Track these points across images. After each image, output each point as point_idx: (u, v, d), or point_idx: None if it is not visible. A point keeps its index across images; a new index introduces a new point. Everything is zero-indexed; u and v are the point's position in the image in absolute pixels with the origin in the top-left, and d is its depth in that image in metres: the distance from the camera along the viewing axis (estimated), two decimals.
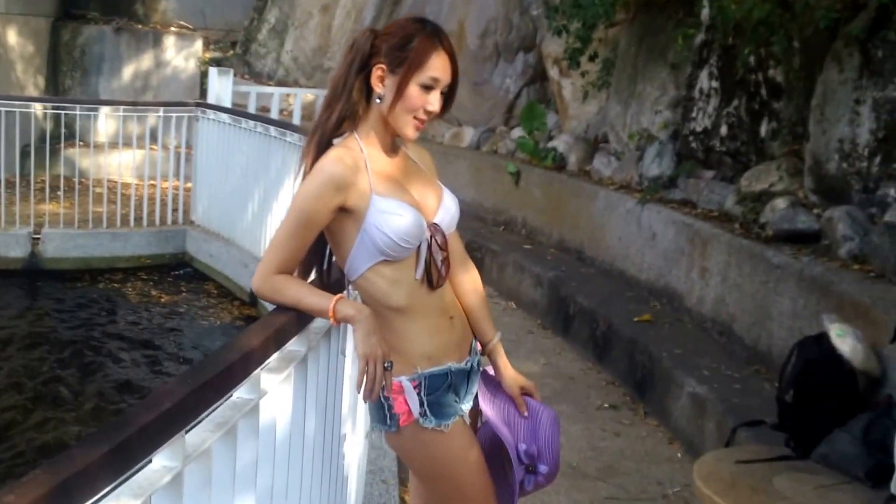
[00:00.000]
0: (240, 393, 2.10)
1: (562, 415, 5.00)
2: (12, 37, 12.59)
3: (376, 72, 2.39)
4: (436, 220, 2.47)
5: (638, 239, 6.41)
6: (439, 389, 2.46)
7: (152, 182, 9.96)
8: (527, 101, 9.03)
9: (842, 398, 3.91)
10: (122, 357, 7.63)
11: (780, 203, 5.41)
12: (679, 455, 4.62)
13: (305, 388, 2.46)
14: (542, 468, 2.59)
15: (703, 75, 6.47)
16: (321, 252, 2.53)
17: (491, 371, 2.69)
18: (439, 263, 2.44)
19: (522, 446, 2.57)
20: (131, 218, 9.58)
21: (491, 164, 8.74)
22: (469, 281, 2.67)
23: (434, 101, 2.37)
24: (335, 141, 2.44)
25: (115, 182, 9.86)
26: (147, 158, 10.01)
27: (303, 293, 2.35)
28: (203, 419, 1.97)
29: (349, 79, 2.42)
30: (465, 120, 9.84)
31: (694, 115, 6.53)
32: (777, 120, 5.93)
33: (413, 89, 2.35)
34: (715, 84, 6.37)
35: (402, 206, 2.37)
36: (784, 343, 4.40)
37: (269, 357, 2.22)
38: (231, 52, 13.85)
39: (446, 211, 2.53)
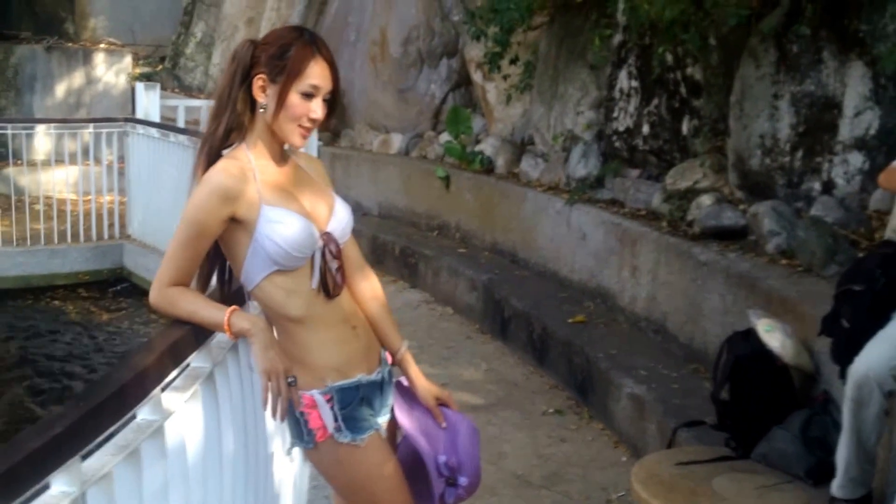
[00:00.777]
0: (143, 414, 2.02)
1: (507, 422, 4.84)
2: None
3: (257, 82, 2.31)
4: (328, 229, 2.38)
5: (569, 239, 6.22)
6: (352, 403, 2.36)
7: (88, 198, 9.64)
8: (452, 105, 8.82)
9: (776, 395, 3.80)
10: (62, 375, 7.36)
11: (706, 200, 5.28)
12: (624, 459, 4.42)
13: (217, 405, 2.34)
14: (463, 480, 2.48)
15: (623, 75, 6.32)
16: (221, 262, 2.45)
17: (405, 382, 2.56)
18: (334, 272, 2.35)
19: (442, 458, 2.46)
20: (68, 234, 9.30)
21: (420, 169, 8.51)
22: (369, 289, 2.56)
23: (317, 109, 2.30)
24: (225, 152, 2.35)
25: (55, 199, 9.62)
26: (82, 174, 9.71)
27: (198, 306, 2.26)
28: (103, 442, 1.88)
29: (233, 90, 2.34)
30: (393, 127, 9.61)
31: (616, 115, 6.37)
32: (698, 117, 5.80)
33: (294, 98, 2.28)
34: (635, 84, 6.22)
35: (291, 216, 2.29)
36: (718, 340, 4.25)
37: (167, 375, 2.12)
38: (160, 66, 13.52)
39: (338, 220, 2.43)
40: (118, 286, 9.31)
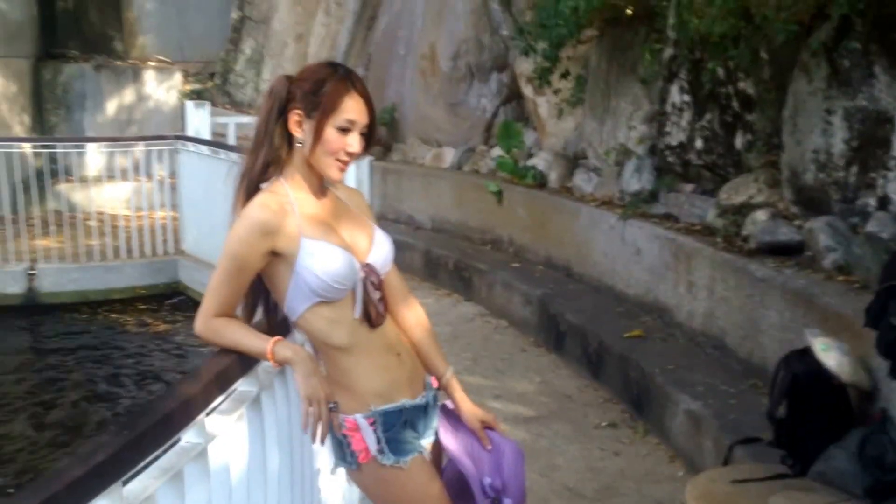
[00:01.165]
0: (188, 438, 2.09)
1: (559, 434, 5.01)
2: None
3: (293, 117, 2.40)
4: (369, 261, 2.47)
5: (623, 254, 6.36)
6: (395, 426, 2.45)
7: (141, 213, 9.91)
8: (503, 120, 8.98)
9: (834, 413, 3.83)
10: (123, 386, 7.63)
11: (761, 215, 5.36)
12: (680, 473, 4.52)
13: (263, 427, 2.46)
14: (508, 502, 2.55)
15: (674, 90, 6.43)
16: (266, 293, 2.52)
17: (451, 405, 2.65)
18: (376, 302, 2.44)
19: (487, 480, 2.54)
20: (122, 250, 9.60)
21: (473, 183, 8.68)
22: (413, 316, 2.65)
23: (353, 143, 2.38)
24: (263, 186, 2.43)
25: (108, 214, 9.89)
26: (134, 190, 9.99)
27: (241, 336, 2.35)
28: (146, 466, 1.94)
29: (269, 125, 2.43)
30: (445, 141, 9.79)
31: (668, 129, 6.49)
32: (751, 132, 5.89)
33: (330, 132, 2.36)
34: (686, 98, 6.33)
35: (331, 248, 2.37)
36: (776, 356, 4.31)
37: (212, 401, 2.20)
38: (210, 82, 13.79)
39: (379, 251, 2.52)
40: (174, 299, 9.60)
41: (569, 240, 7.13)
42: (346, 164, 2.41)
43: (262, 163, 2.44)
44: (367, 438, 2.42)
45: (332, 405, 2.35)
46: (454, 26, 9.66)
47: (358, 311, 2.42)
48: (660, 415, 4.94)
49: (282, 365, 2.39)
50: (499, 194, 8.08)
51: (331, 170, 2.41)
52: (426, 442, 2.57)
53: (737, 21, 5.48)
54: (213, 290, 2.39)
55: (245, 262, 2.36)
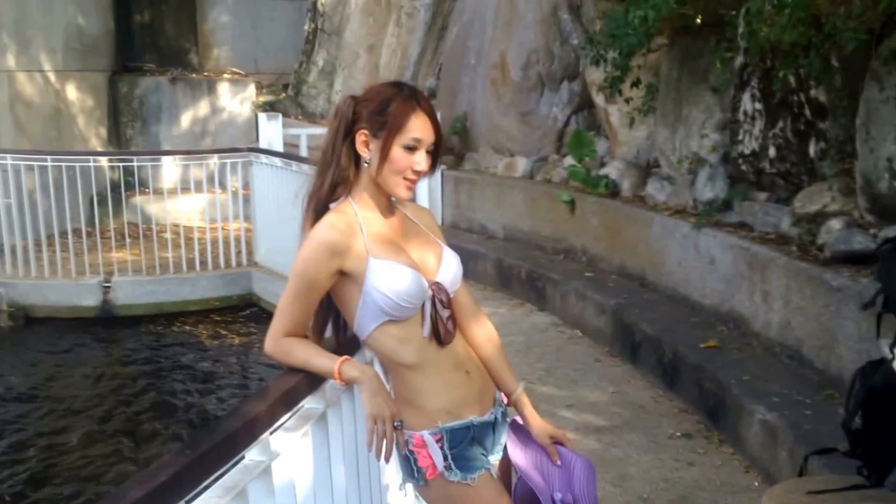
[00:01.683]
0: (251, 455, 2.14)
1: (632, 444, 5.11)
2: (72, 92, 12.99)
3: (360, 137, 2.46)
4: (437, 279, 2.52)
5: (697, 264, 6.42)
6: (462, 443, 2.49)
7: (214, 225, 10.16)
8: (575, 129, 9.08)
9: None
10: (194, 398, 7.86)
11: (836, 224, 5.38)
12: (756, 484, 4.58)
13: (328, 444, 2.53)
14: None
15: (746, 97, 6.47)
16: (335, 312, 2.59)
17: (520, 421, 2.70)
18: (445, 320, 2.48)
19: (558, 495, 2.56)
20: (197, 262, 9.86)
21: (545, 192, 8.80)
22: (483, 333, 2.70)
23: (420, 161, 2.44)
24: (332, 206, 2.49)
25: (182, 226, 10.14)
26: (209, 201, 10.28)
27: (310, 355, 2.42)
28: (210, 484, 1.98)
29: (336, 145, 2.49)
30: (517, 150, 9.91)
31: (741, 137, 6.52)
32: (825, 140, 5.90)
33: (397, 151, 2.42)
34: (758, 106, 6.36)
35: (399, 268, 2.42)
36: (853, 366, 4.34)
37: (277, 420, 2.25)
38: (283, 94, 14.08)
39: (448, 269, 2.56)
40: (248, 310, 9.83)
41: (642, 249, 7.21)
42: (413, 182, 2.47)
43: (330, 183, 2.50)
44: (434, 455, 2.46)
45: (397, 423, 2.38)
46: (524, 36, 9.78)
47: (426, 330, 2.46)
48: (735, 425, 5.00)
49: (349, 384, 2.45)
50: (571, 203, 8.19)
51: (398, 188, 2.46)
52: (494, 458, 2.61)
53: (806, 29, 5.51)
54: (282, 311, 2.45)
55: (313, 283, 2.41)
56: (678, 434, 5.25)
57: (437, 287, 2.50)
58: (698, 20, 6.97)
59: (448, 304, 2.51)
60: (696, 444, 5.11)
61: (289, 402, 2.33)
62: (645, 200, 7.53)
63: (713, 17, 6.82)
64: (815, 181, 5.93)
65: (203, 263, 9.90)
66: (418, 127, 2.43)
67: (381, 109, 2.43)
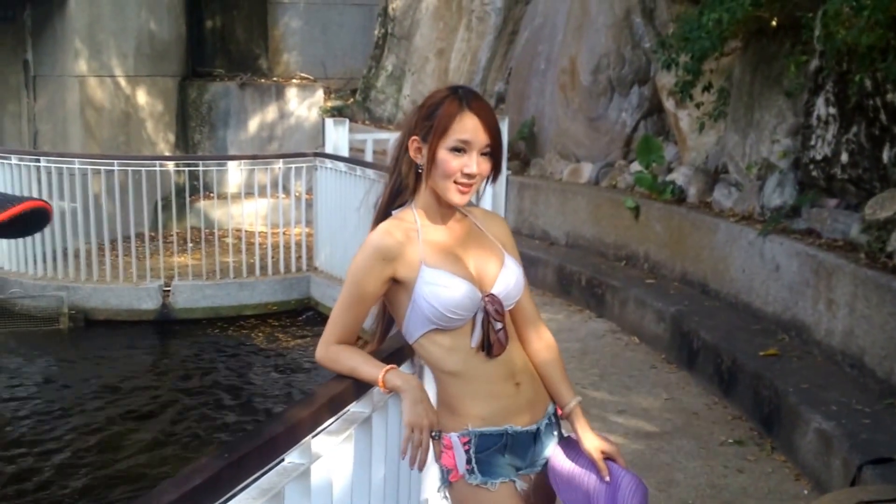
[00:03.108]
0: (291, 458, 2.16)
1: (681, 450, 5.06)
2: (142, 97, 13.23)
3: (413, 144, 2.47)
4: (493, 291, 2.49)
5: (761, 271, 6.32)
6: (490, 449, 2.49)
7: (276, 230, 10.31)
8: (643, 135, 9.01)
9: None
10: (248, 402, 7.97)
11: None
12: (806, 492, 4.50)
13: (371, 447, 2.56)
14: None
15: (820, 102, 6.37)
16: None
17: (574, 436, 2.65)
18: (497, 332, 2.46)
19: None
20: (257, 267, 9.97)
21: (609, 199, 8.75)
22: (540, 343, 2.66)
23: (471, 164, 2.40)
24: (395, 213, 2.54)
25: (244, 231, 10.29)
26: (271, 207, 10.38)
27: (358, 363, 2.46)
28: (248, 486, 2.00)
29: (399, 153, 2.53)
30: (583, 156, 9.87)
31: (813, 142, 6.42)
32: None
33: (443, 154, 2.40)
34: (832, 110, 6.25)
35: (450, 278, 2.42)
36: None
37: (321, 424, 2.29)
38: (351, 99, 14.23)
39: (505, 282, 2.52)
40: (304, 315, 9.93)
41: (706, 256, 7.13)
42: (466, 186, 2.43)
43: (391, 191, 2.55)
44: (458, 456, 2.48)
45: (434, 433, 2.43)
46: (595, 40, 9.75)
47: (475, 341, 2.45)
48: (789, 433, 4.91)
49: (393, 392, 2.47)
50: (635, 209, 8.12)
51: (450, 193, 2.43)
52: (531, 472, 2.61)
53: (885, 32, 5.42)
54: (334, 318, 2.50)
55: (364, 290, 2.45)
56: (730, 441, 5.18)
57: (492, 299, 2.48)
58: (773, 23, 6.89)
59: (501, 316, 2.48)
60: (748, 451, 5.04)
61: (334, 407, 2.37)
62: (711, 207, 7.44)
63: (789, 20, 6.75)
64: (887, 188, 5.81)
65: (263, 268, 10.02)
66: (465, 128, 2.40)
67: (430, 114, 2.44)
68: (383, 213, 2.55)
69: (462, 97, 2.44)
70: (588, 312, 7.93)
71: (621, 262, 8.38)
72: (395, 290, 2.47)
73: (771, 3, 6.70)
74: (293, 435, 2.12)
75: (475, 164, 2.41)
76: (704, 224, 7.19)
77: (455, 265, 2.47)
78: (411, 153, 2.48)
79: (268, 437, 2.04)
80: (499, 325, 2.46)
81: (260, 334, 9.61)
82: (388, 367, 2.46)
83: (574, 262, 8.47)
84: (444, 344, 2.46)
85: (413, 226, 2.48)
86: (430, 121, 2.43)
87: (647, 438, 5.17)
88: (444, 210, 2.52)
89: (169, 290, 9.74)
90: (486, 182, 2.54)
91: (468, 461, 2.47)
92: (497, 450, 2.49)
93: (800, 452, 4.76)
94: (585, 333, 7.26)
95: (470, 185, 2.43)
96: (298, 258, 10.17)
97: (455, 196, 2.43)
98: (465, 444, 2.47)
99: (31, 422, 7.48)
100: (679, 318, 6.62)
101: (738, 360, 5.71)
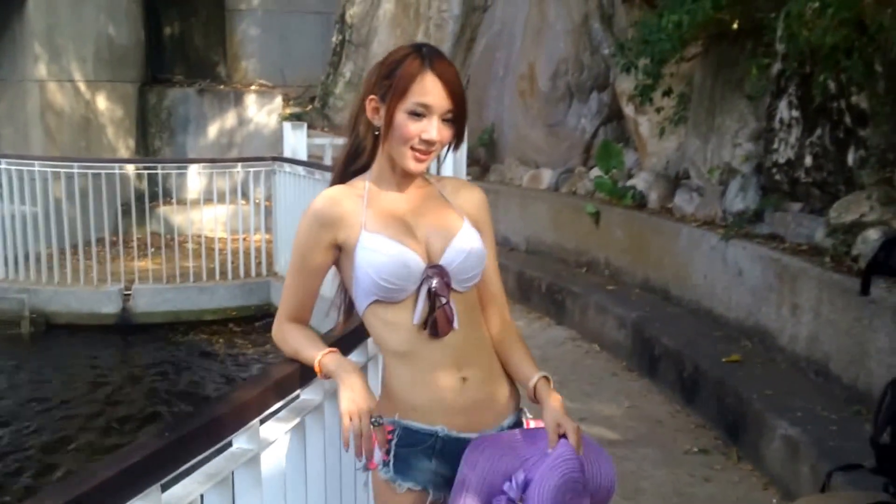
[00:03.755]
0: (239, 443, 2.07)
1: (646, 458, 4.84)
2: (102, 102, 13.00)
3: (370, 103, 2.24)
4: (441, 262, 2.22)
5: (724, 276, 6.15)
6: (415, 447, 2.23)
7: (235, 236, 10.12)
8: (603, 140, 8.87)
9: None
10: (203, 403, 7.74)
11: (873, 234, 5.11)
12: (775, 501, 4.33)
13: (325, 437, 2.43)
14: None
15: (783, 105, 6.22)
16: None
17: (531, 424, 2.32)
18: (443, 310, 2.19)
19: (521, 475, 2.17)
20: (217, 272, 9.84)
21: (570, 205, 8.57)
22: (503, 326, 2.39)
23: (430, 129, 2.17)
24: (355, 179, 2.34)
25: (204, 237, 10.15)
26: (230, 213, 10.30)
27: (301, 345, 2.26)
28: (194, 470, 1.92)
29: (358, 112, 2.30)
30: (543, 162, 9.72)
31: (776, 146, 6.27)
32: (865, 147, 5.65)
33: (400, 118, 2.17)
34: (795, 113, 6.11)
35: (387, 243, 2.20)
36: (884, 381, 4.10)
37: (268, 408, 2.15)
38: (310, 106, 14.02)
39: (457, 252, 2.24)
40: (264, 321, 9.71)
41: (667, 261, 6.95)
42: (424, 153, 2.20)
43: (347, 153, 2.34)
44: (378, 443, 2.19)
45: (374, 419, 2.15)
46: (554, 46, 9.60)
47: (417, 317, 2.20)
48: (755, 441, 4.73)
49: (328, 378, 2.25)
50: (596, 215, 7.94)
51: (405, 159, 2.21)
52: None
53: (850, 32, 5.28)
54: (284, 292, 2.32)
55: (308, 259, 2.27)
56: (695, 449, 5.00)
57: (437, 271, 2.21)
58: (735, 26, 6.74)
59: (444, 291, 2.19)
60: (714, 459, 4.87)
61: (282, 390, 2.21)
62: (672, 212, 7.28)
63: (750, 23, 6.62)
64: (852, 191, 5.66)
65: (223, 273, 9.91)
66: (426, 91, 2.16)
67: (390, 72, 2.20)
68: (339, 177, 2.34)
69: (425, 56, 2.19)
70: (548, 319, 7.73)
71: (582, 269, 8.19)
72: (343, 259, 2.26)
73: (732, 5, 6.56)
74: (239, 416, 2.01)
75: (435, 129, 2.18)
76: (666, 229, 7.02)
77: (397, 231, 2.23)
78: (368, 113, 2.25)
79: (211, 417, 1.92)
80: (443, 301, 2.18)
81: (220, 340, 9.43)
82: (327, 350, 2.22)
83: (534, 269, 8.28)
84: (387, 318, 2.23)
85: (360, 191, 2.27)
86: (389, 79, 2.19)
87: (611, 446, 4.95)
88: (399, 175, 2.29)
89: (129, 294, 9.59)
90: (448, 150, 2.30)
91: (387, 451, 2.22)
92: (423, 451, 2.23)
93: (766, 460, 4.58)
94: (545, 341, 7.06)
95: (428, 153, 2.21)
96: (258, 263, 10.04)
97: (411, 163, 2.21)
98: (389, 432, 2.22)
99: None
100: (640, 324, 6.43)
101: (701, 367, 5.52)
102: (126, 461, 1.65)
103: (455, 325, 2.21)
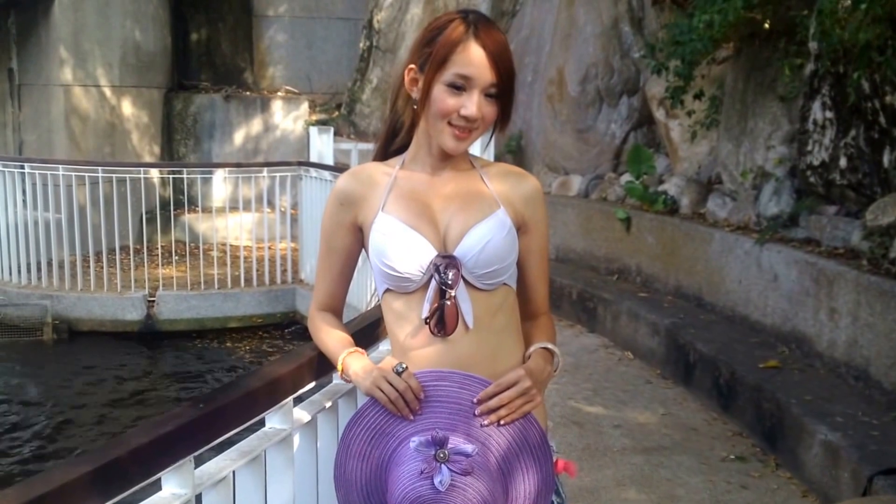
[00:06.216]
0: (272, 423, 2.07)
1: (681, 466, 4.78)
2: (127, 107, 13.06)
3: (408, 74, 2.05)
4: (456, 252, 2.00)
5: (759, 281, 6.09)
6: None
7: (261, 245, 10.13)
8: (633, 145, 8.81)
9: None
10: None
11: None
12: None
13: None
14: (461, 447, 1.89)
15: (816, 106, 6.16)
16: None
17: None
18: (453, 304, 1.96)
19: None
20: (241, 279, 9.84)
21: (600, 211, 8.52)
22: (534, 320, 2.18)
23: (470, 105, 1.96)
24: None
25: (229, 245, 10.18)
26: (256, 220, 10.28)
27: (327, 340, 2.14)
28: (227, 448, 1.94)
29: (399, 87, 2.12)
30: (572, 168, 9.66)
31: (810, 148, 6.21)
32: None
33: (438, 90, 1.97)
34: (829, 114, 6.04)
35: (398, 227, 2.02)
36: None
37: (302, 386, 2.13)
38: (336, 112, 14.03)
39: (476, 241, 2.01)
40: (291, 328, 9.71)
41: (700, 267, 6.89)
42: (465, 130, 1.99)
43: (387, 130, 2.19)
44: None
45: (398, 368, 1.94)
46: (583, 50, 9.55)
47: (425, 311, 1.99)
48: (794, 448, 4.67)
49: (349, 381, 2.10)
50: (627, 221, 7.89)
51: (443, 136, 2.01)
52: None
53: (883, 29, 5.23)
54: (316, 278, 2.23)
55: (332, 240, 2.14)
56: (731, 457, 4.93)
57: (448, 262, 1.98)
58: (766, 25, 6.69)
59: (453, 283, 1.97)
60: (751, 467, 4.80)
61: (315, 369, 2.16)
62: (705, 217, 7.21)
63: (782, 23, 6.56)
64: (888, 192, 5.60)
65: (248, 280, 9.90)
66: (467, 61, 1.95)
67: (431, 38, 2.00)
68: (379, 157, 2.19)
69: (471, 22, 1.98)
70: (580, 327, 7.69)
71: (613, 276, 8.14)
72: (365, 241, 2.11)
73: (763, 4, 6.51)
74: (273, 392, 1.99)
75: (475, 105, 1.96)
76: (698, 234, 6.96)
77: (414, 214, 2.04)
78: (406, 84, 2.06)
79: (246, 391, 1.92)
80: (452, 293, 1.96)
81: (244, 347, 9.43)
82: (352, 350, 2.08)
83: (565, 276, 8.23)
84: (397, 309, 2.05)
85: (389, 170, 2.11)
86: (429, 47, 2.00)
87: (647, 453, 4.92)
88: (435, 155, 2.09)
89: (153, 301, 9.59)
90: (493, 132, 2.10)
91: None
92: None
93: (806, 467, 4.52)
94: (577, 348, 7.01)
95: (469, 130, 2.00)
96: (284, 270, 10.03)
97: (449, 141, 2.01)
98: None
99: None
100: (674, 331, 6.37)
101: (738, 374, 5.46)
102: (160, 429, 1.64)
103: (469, 324, 1.99)
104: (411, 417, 1.93)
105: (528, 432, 1.97)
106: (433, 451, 1.86)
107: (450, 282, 1.97)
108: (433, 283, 1.98)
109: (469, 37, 1.95)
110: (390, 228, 2.02)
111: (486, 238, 2.00)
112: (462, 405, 1.94)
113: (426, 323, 1.98)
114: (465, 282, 2.00)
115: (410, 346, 2.02)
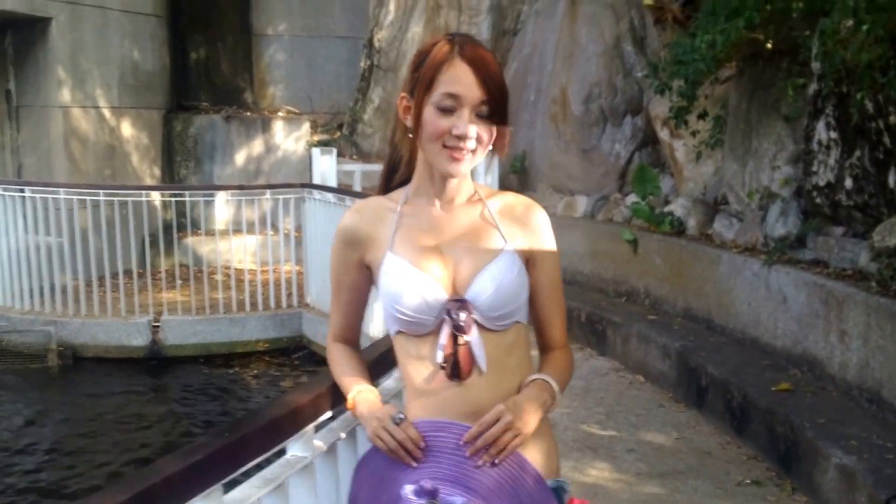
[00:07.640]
0: (294, 450, 2.14)
1: (697, 491, 4.88)
2: (127, 129, 13.09)
3: (401, 102, 2.06)
4: (466, 296, 2.01)
5: (768, 303, 6.18)
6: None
7: (265, 268, 10.15)
8: (638, 165, 8.89)
9: None
10: None
11: None
12: None
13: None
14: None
15: (821, 126, 6.24)
16: None
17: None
18: (467, 349, 1.98)
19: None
20: (247, 303, 9.81)
21: (606, 232, 8.61)
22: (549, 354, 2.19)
23: (460, 124, 1.95)
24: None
25: (233, 268, 10.19)
26: (259, 243, 10.28)
27: (342, 372, 2.19)
28: (252, 475, 2.00)
29: (396, 119, 2.13)
30: (577, 189, 9.74)
31: (815, 168, 6.30)
32: None
33: (429, 112, 1.97)
34: (834, 135, 6.13)
35: (408, 270, 2.02)
36: None
37: (321, 414, 2.19)
38: (338, 133, 14.10)
39: (486, 284, 2.01)
40: (298, 353, 9.73)
41: (709, 289, 6.98)
42: (459, 151, 1.97)
43: (387, 165, 2.21)
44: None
45: (397, 417, 2.00)
46: (586, 69, 9.65)
47: (439, 356, 1.99)
48: (809, 471, 4.75)
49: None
50: (633, 243, 7.99)
51: (440, 160, 1.99)
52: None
53: (885, 49, 5.34)
54: (331, 311, 2.26)
55: (341, 277, 2.18)
56: (747, 481, 5.01)
57: (460, 306, 2.00)
58: (769, 45, 6.79)
59: (465, 328, 1.98)
60: (767, 491, 4.87)
61: (334, 398, 2.24)
62: (712, 238, 7.30)
63: (784, 43, 6.67)
64: (895, 213, 5.69)
65: (253, 304, 9.89)
66: (454, 79, 1.95)
67: (419, 64, 2.01)
68: (383, 192, 2.20)
69: (456, 42, 1.99)
70: (589, 350, 7.77)
71: (621, 298, 8.23)
72: (377, 280, 2.12)
73: (766, 24, 6.61)
74: (294, 420, 2.07)
75: (465, 123, 1.96)
76: (706, 256, 7.06)
77: (424, 256, 2.04)
78: (400, 113, 2.07)
79: (269, 419, 2.00)
80: (465, 338, 1.97)
81: (251, 372, 9.46)
82: (362, 387, 2.11)
83: (573, 298, 8.30)
84: (411, 352, 2.05)
85: (395, 205, 2.10)
86: (417, 72, 2.01)
87: (662, 478, 5.00)
88: (439, 186, 2.08)
89: (158, 326, 9.59)
90: (492, 156, 2.11)
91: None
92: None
93: (822, 491, 4.60)
94: (588, 371, 7.09)
95: (463, 151, 1.98)
96: (289, 294, 10.03)
97: (446, 163, 1.99)
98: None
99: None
100: (685, 354, 6.46)
101: (750, 397, 5.54)
102: (191, 458, 1.70)
103: (483, 368, 2.00)
104: (413, 465, 1.96)
105: (521, 481, 1.98)
106: (424, 501, 1.90)
107: (462, 324, 1.98)
108: (445, 327, 1.99)
109: (454, 55, 1.97)
110: (399, 270, 2.03)
111: (496, 280, 2.02)
112: (463, 456, 1.97)
113: (441, 368, 1.99)
114: (477, 324, 2.02)
115: (426, 390, 2.03)
